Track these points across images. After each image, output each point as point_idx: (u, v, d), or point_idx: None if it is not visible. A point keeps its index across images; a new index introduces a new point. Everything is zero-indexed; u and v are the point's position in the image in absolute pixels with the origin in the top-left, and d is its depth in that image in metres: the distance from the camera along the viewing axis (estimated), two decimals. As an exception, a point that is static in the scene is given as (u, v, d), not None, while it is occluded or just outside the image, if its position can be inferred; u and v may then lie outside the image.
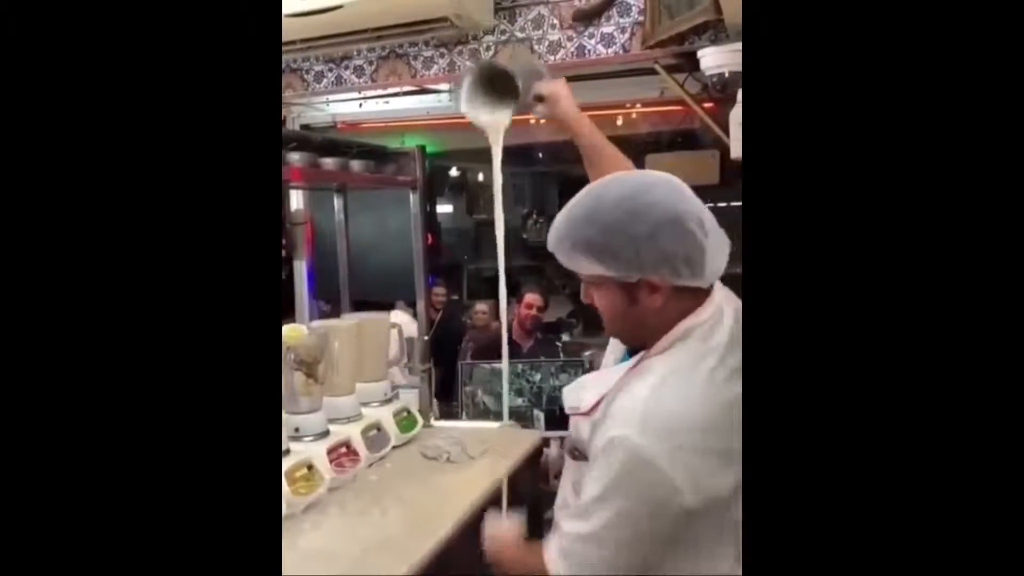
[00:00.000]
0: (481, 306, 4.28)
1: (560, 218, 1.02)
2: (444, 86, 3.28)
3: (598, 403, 1.02)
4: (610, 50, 2.49)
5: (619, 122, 4.27)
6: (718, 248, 0.98)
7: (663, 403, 0.94)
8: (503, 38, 2.57)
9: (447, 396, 3.22)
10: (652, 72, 2.65)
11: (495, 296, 4.99)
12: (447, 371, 3.26)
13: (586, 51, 2.54)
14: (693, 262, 0.96)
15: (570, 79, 3.67)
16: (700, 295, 1.01)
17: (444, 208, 7.50)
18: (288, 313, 3.40)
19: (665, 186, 0.99)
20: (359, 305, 2.21)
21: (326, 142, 1.90)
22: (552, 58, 2.57)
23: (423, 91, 3.49)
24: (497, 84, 1.28)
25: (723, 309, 1.01)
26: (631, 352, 1.10)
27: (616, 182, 1.01)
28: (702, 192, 1.02)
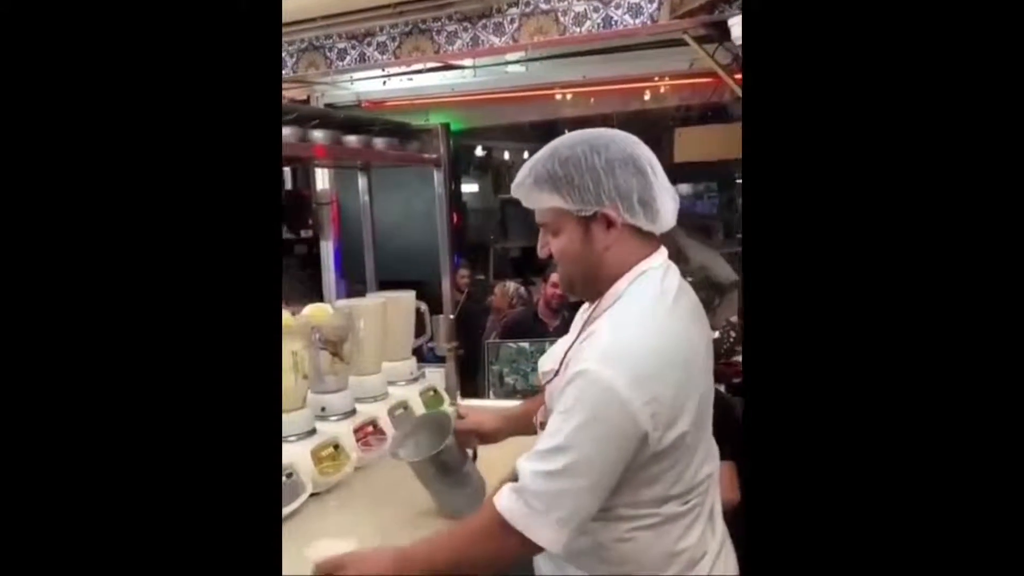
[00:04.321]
0: (501, 288, 4.26)
1: (525, 164, 1.07)
2: (468, 62, 3.23)
3: (564, 357, 1.05)
4: (637, 21, 2.42)
5: (647, 96, 4.19)
6: (667, 197, 1.03)
7: (622, 336, 0.96)
8: (527, 10, 2.51)
9: (471, 375, 3.22)
10: (681, 43, 2.58)
11: (521, 276, 4.97)
12: (470, 351, 3.26)
13: (613, 22, 2.47)
14: (647, 203, 1.01)
15: (596, 52, 3.60)
16: (651, 243, 1.05)
17: (470, 187, 7.46)
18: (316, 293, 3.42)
19: (620, 134, 1.05)
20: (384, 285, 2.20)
21: (349, 119, 1.88)
22: (578, 30, 2.51)
23: (447, 67, 3.45)
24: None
25: (669, 261, 1.06)
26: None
27: (575, 132, 1.08)
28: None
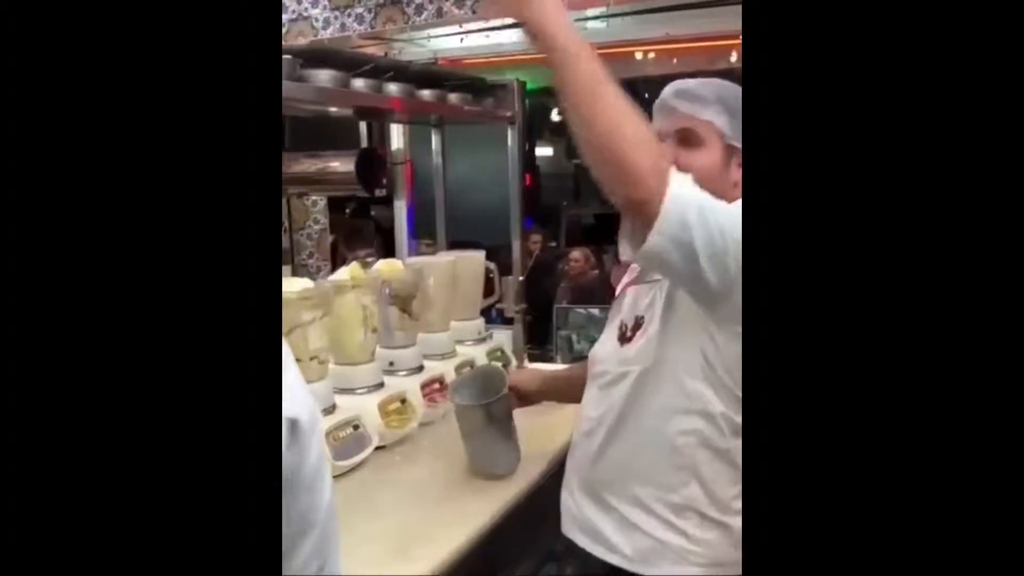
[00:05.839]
0: (576, 253, 4.21)
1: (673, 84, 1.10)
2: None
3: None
4: (729, -29, 2.27)
5: (733, 56, 3.98)
6: None
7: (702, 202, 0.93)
8: (611, -39, 2.40)
9: (539, 341, 3.21)
10: (776, -5, 2.40)
11: (595, 243, 4.89)
12: (537, 316, 3.24)
13: (702, -27, 2.33)
14: None
15: (681, 7, 3.42)
16: None
17: (544, 151, 7.38)
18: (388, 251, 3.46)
19: None
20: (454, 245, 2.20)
21: (424, 73, 1.85)
22: (664, -18, 2.38)
23: (525, 24, 3.37)
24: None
25: None
26: None
27: None
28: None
